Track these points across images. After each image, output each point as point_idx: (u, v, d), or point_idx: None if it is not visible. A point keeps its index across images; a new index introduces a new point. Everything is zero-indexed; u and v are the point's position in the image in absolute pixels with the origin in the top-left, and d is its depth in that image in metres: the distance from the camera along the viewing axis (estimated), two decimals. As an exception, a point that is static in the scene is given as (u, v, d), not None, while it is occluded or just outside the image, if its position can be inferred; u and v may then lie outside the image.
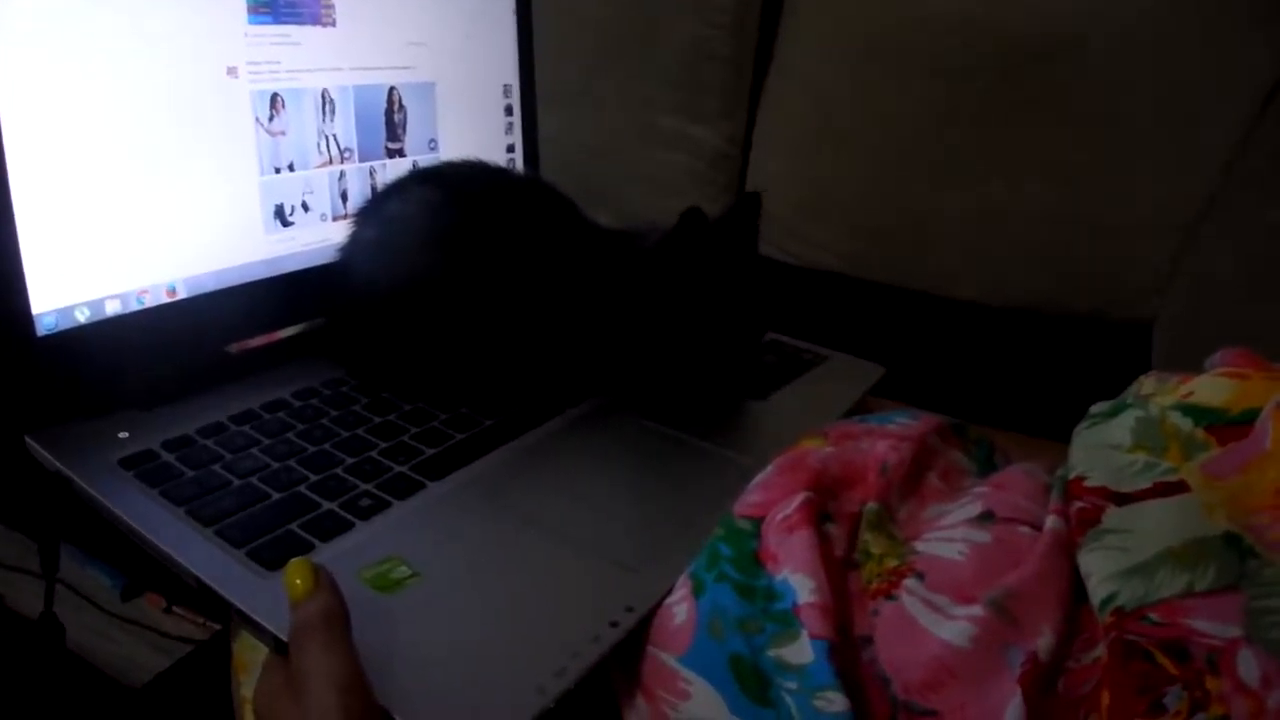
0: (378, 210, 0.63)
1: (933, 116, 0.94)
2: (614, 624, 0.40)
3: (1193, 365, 0.43)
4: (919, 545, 0.41)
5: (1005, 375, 0.95)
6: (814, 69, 1.02)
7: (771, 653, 0.38)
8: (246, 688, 0.54)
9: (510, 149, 0.82)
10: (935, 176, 0.95)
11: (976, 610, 0.36)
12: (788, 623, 0.38)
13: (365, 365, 0.62)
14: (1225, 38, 0.82)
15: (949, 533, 0.41)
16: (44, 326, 0.52)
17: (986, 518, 0.41)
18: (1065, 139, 0.89)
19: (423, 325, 0.59)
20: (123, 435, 0.52)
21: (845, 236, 1.03)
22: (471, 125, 0.78)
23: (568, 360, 0.61)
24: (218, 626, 1.09)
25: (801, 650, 0.37)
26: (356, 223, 0.63)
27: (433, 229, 0.59)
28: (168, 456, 0.50)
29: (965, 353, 0.98)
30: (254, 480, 0.49)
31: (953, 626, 0.36)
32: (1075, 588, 0.37)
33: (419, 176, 0.65)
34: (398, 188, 0.63)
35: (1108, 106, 0.86)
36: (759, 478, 0.46)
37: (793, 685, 0.37)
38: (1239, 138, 0.82)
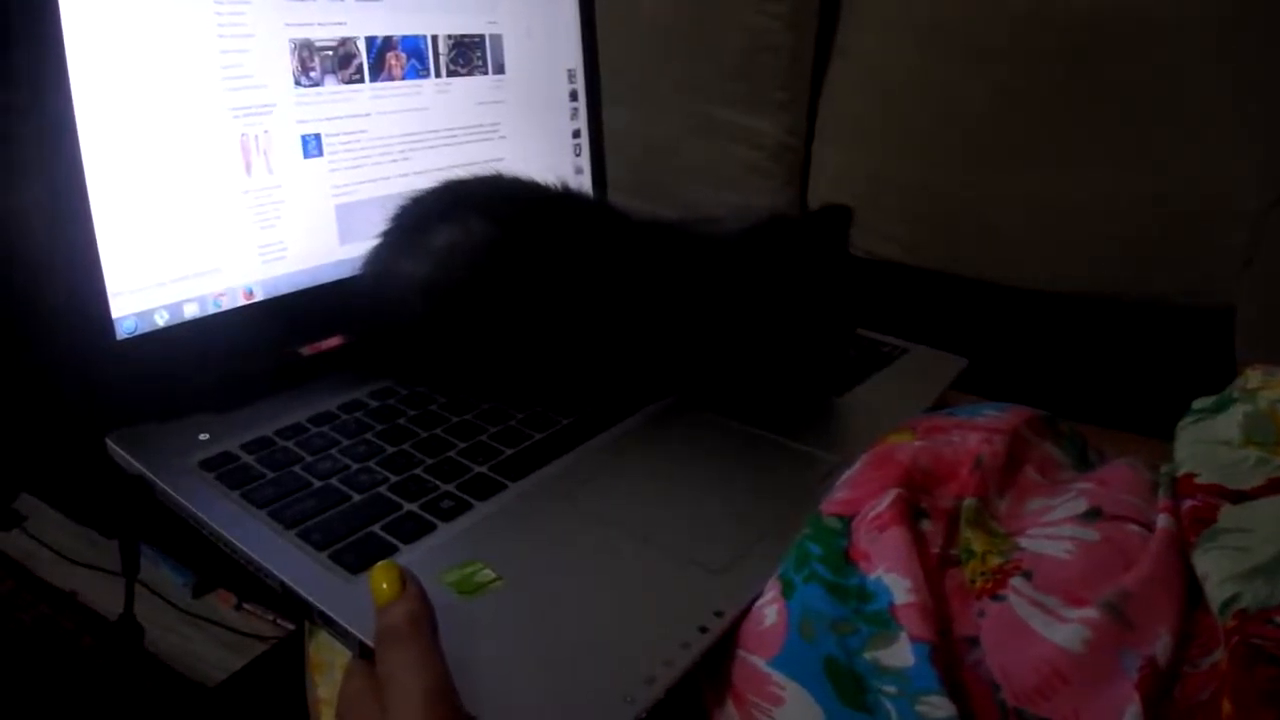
0: (417, 228, 0.60)
1: (999, 102, 0.92)
2: (704, 629, 0.39)
3: (1277, 350, 0.41)
4: (1023, 542, 0.39)
5: (1081, 365, 0.93)
6: (875, 56, 1.00)
7: (868, 655, 0.36)
8: (322, 688, 0.54)
9: (576, 134, 0.81)
10: (1002, 163, 0.93)
11: (1090, 613, 0.34)
12: (884, 624, 0.36)
13: (426, 374, 0.61)
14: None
15: (1055, 529, 0.39)
16: (124, 330, 0.53)
17: (1093, 514, 0.39)
18: (1137, 122, 0.86)
19: (493, 330, 0.57)
20: (203, 437, 0.52)
21: (909, 225, 1.01)
22: (538, 116, 0.78)
23: (644, 357, 0.60)
24: (289, 624, 1.10)
25: (901, 653, 0.35)
26: (398, 236, 0.60)
27: (490, 241, 0.57)
28: (248, 458, 0.51)
29: (1038, 342, 0.96)
30: (334, 482, 0.49)
31: (1065, 630, 0.34)
32: (1189, 589, 0.35)
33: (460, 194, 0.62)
34: (441, 205, 0.61)
35: (1181, 89, 0.83)
36: (847, 475, 0.45)
37: (892, 690, 0.35)
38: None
